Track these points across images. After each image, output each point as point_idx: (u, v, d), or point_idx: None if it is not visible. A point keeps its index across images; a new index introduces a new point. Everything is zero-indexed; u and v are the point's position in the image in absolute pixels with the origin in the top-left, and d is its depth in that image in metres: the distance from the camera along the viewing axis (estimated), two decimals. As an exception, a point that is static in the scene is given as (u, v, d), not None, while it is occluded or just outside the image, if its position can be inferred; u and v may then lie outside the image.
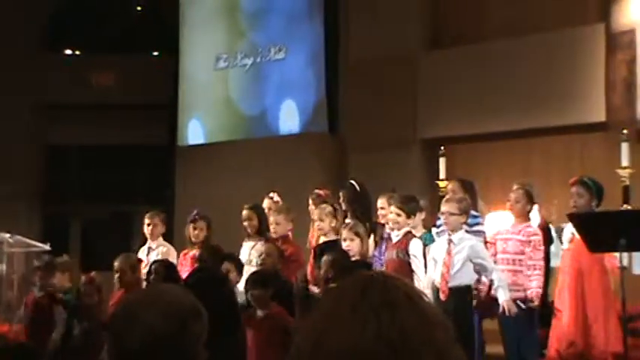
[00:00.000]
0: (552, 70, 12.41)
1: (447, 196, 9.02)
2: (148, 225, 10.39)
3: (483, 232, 8.87)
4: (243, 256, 9.42)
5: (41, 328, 9.14)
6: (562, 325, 8.27)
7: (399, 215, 8.57)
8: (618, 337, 7.84)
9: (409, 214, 8.58)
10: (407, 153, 13.77)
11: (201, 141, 16.79)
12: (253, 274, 8.22)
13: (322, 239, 9.28)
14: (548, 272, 8.88)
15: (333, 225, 9.18)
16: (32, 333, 9.29)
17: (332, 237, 9.15)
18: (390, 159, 13.56)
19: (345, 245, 8.52)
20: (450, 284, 8.07)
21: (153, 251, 10.25)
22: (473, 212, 8.99)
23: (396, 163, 13.45)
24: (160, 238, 10.40)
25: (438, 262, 8.19)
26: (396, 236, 8.57)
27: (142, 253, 10.25)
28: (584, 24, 12.45)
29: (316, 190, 10.44)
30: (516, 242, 8.44)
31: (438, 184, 10.76)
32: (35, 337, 9.13)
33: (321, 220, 9.21)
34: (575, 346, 8.13)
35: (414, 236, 8.54)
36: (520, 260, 8.39)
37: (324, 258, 8.09)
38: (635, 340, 8.40)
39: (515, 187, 8.62)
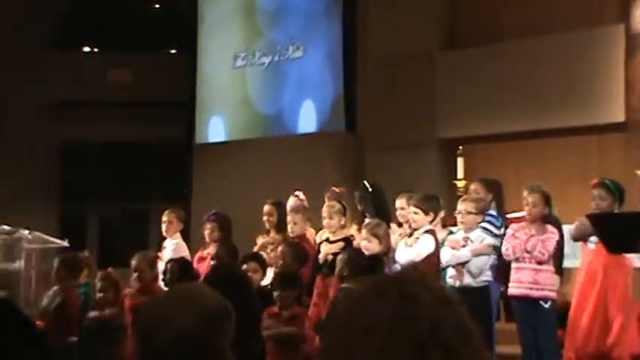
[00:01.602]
0: (571, 71, 12.37)
1: (465, 196, 9.04)
2: (164, 222, 10.47)
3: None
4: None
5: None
6: (580, 324, 8.25)
7: (416, 214, 8.57)
8: (637, 338, 7.81)
9: (427, 212, 8.57)
10: (424, 152, 13.74)
11: (222, 139, 16.80)
12: (282, 275, 8.25)
13: (330, 237, 9.26)
14: (561, 271, 8.85)
15: (341, 223, 9.21)
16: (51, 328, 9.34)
17: (340, 235, 9.16)
18: (407, 158, 13.54)
19: (363, 245, 8.52)
20: (468, 281, 8.09)
21: (165, 249, 10.34)
22: (491, 212, 8.97)
23: (413, 163, 13.44)
24: (177, 235, 10.47)
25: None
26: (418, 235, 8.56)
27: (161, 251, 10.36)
28: (603, 24, 12.41)
29: (332, 188, 10.46)
30: (536, 239, 8.39)
31: (455, 184, 10.74)
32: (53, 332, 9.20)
33: (330, 217, 9.22)
34: (594, 345, 8.11)
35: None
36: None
37: (340, 256, 8.12)
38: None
39: (528, 189, 8.51)
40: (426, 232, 8.48)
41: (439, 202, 8.86)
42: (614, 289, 8.15)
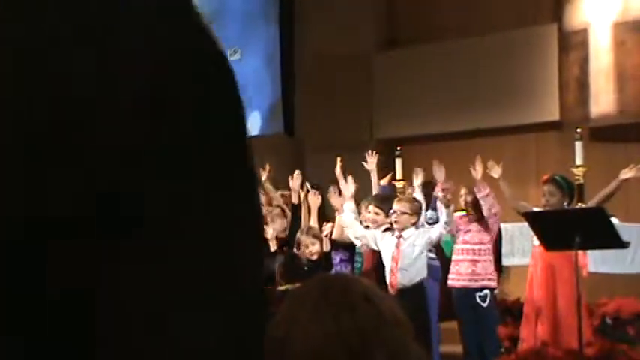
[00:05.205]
0: (506, 70, 12.49)
1: (400, 196, 9.18)
2: None
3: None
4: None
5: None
6: (535, 323, 8.36)
7: (377, 215, 8.72)
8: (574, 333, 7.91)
9: (387, 214, 8.70)
10: (363, 154, 13.76)
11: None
12: None
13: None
14: (501, 268, 8.99)
15: (284, 226, 9.31)
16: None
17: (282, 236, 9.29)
18: (346, 160, 13.56)
19: (307, 251, 8.54)
20: (403, 281, 8.12)
21: None
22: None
23: (352, 164, 13.46)
24: None
25: (386, 257, 8.28)
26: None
27: None
28: (537, 24, 12.54)
29: (280, 192, 10.56)
30: (475, 233, 8.53)
31: (394, 185, 10.80)
32: None
33: (272, 221, 9.31)
34: (545, 343, 8.21)
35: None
36: (480, 250, 8.48)
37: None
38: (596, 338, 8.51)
39: (465, 189, 8.76)
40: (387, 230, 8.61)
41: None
42: (565, 285, 8.22)
